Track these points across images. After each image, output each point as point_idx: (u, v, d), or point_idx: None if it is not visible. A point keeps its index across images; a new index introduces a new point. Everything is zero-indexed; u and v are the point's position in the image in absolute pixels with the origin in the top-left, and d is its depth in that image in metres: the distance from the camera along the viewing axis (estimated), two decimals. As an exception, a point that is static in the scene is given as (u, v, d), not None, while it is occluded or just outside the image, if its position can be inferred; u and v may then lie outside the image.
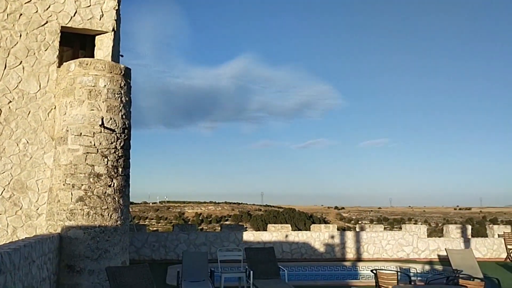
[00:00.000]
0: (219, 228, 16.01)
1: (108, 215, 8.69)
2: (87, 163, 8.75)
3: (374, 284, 10.59)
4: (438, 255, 15.89)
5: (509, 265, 14.76)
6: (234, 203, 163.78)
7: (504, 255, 16.11)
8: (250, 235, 15.08)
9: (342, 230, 17.11)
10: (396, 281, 7.55)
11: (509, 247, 16.04)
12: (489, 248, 16.22)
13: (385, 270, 8.49)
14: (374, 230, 16.57)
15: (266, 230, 15.78)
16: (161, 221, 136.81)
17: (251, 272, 8.84)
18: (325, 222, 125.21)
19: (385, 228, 17.28)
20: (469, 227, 17.59)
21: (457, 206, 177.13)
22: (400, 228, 17.39)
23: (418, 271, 13.76)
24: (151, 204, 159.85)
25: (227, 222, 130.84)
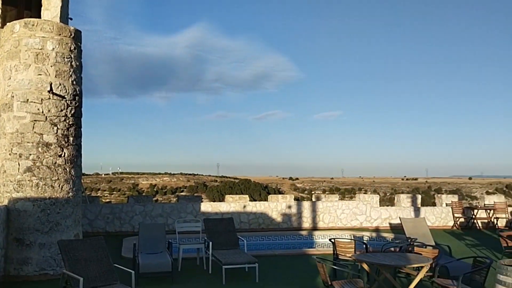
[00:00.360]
0: (175, 199, 15.80)
1: (59, 186, 8.26)
2: (35, 132, 8.22)
3: (331, 252, 10.81)
4: (390, 223, 16.46)
5: (456, 232, 15.50)
6: (189, 174, 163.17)
7: (451, 223, 16.89)
8: (208, 206, 14.98)
9: (298, 200, 17.34)
10: (353, 249, 7.68)
11: (456, 215, 16.82)
12: (437, 216, 16.94)
13: (342, 239, 8.61)
14: (329, 200, 16.88)
15: (223, 201, 15.71)
16: (114, 192, 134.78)
17: (210, 243, 8.74)
18: (280, 192, 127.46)
19: (339, 198, 17.65)
20: (419, 197, 18.29)
21: (405, 176, 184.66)
22: (351, 197, 17.80)
23: (372, 239, 14.18)
24: (103, 175, 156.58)
25: (182, 193, 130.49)
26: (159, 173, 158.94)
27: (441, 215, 17.02)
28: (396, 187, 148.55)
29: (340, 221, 16.03)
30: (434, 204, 18.27)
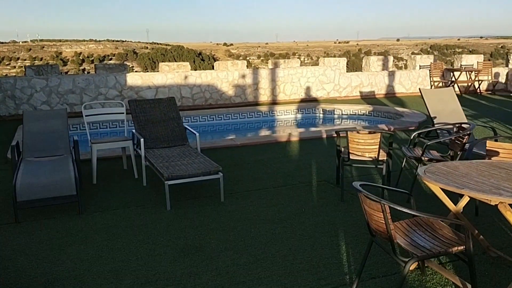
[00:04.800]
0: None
1: None
2: None
3: (312, 136, 7.97)
4: (361, 92, 13.82)
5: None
6: (117, 41, 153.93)
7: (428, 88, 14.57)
8: (136, 78, 11.29)
9: (254, 68, 14.10)
10: (377, 146, 4.75)
11: (434, 79, 14.43)
12: (413, 81, 14.46)
13: (351, 129, 5.61)
14: (289, 67, 13.73)
15: (157, 70, 12.10)
16: (36, 61, 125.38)
17: (142, 140, 5.45)
18: (214, 59, 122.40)
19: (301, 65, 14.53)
20: (391, 58, 15.56)
21: (337, 39, 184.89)
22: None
23: (365, 114, 11.48)
24: (21, 43, 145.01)
25: (111, 62, 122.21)
26: (84, 40, 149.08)
27: (418, 80, 14.56)
28: (329, 50, 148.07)
29: (303, 92, 13.10)
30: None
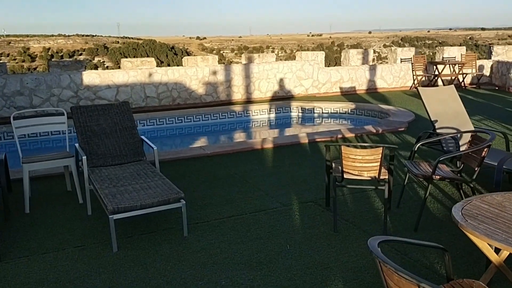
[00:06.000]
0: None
1: None
2: None
3: (288, 143, 6.98)
4: (341, 88, 12.95)
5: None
6: (87, 36, 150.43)
7: (410, 83, 13.81)
8: (94, 77, 10.08)
9: (227, 64, 13.00)
10: (378, 163, 3.81)
11: (417, 73, 13.67)
12: (395, 75, 13.67)
13: (345, 144, 4.66)
14: (264, 62, 12.73)
15: (119, 68, 10.92)
16: (3, 58, 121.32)
17: (84, 157, 4.36)
18: (188, 53, 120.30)
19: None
20: (371, 52, 14.74)
21: (310, 32, 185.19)
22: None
23: (347, 112, 10.57)
24: None
25: (81, 57, 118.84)
26: (52, 35, 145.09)
27: (400, 74, 13.77)
28: (302, 43, 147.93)
29: (280, 89, 12.13)
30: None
